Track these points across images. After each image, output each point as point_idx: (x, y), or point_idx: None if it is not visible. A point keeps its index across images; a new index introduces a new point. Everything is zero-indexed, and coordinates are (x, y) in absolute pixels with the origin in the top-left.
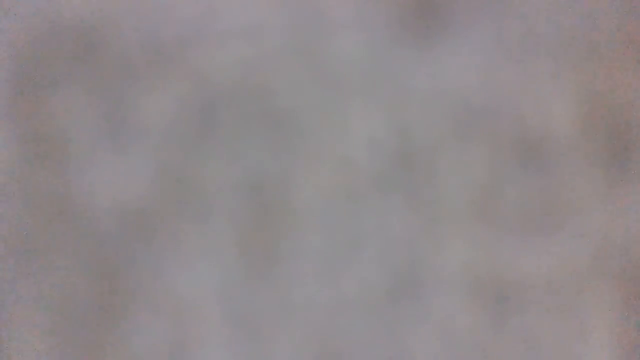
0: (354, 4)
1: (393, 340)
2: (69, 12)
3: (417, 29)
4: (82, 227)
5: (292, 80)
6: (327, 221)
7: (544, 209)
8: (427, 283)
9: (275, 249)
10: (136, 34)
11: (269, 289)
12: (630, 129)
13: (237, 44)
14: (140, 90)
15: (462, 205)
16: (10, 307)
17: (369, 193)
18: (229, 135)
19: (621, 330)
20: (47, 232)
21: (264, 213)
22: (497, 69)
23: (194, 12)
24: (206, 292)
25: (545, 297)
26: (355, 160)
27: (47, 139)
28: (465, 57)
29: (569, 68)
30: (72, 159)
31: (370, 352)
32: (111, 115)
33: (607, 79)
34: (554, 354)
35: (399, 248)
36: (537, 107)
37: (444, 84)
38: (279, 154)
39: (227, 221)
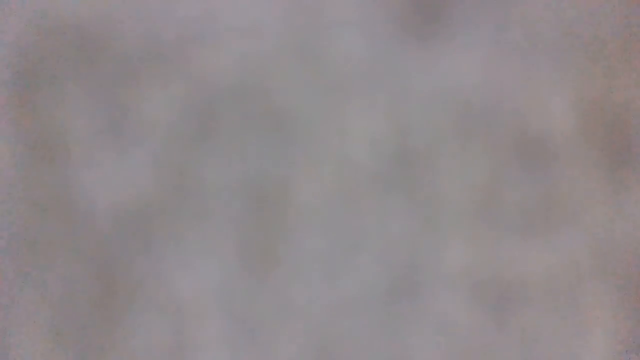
0: (354, 4)
1: (393, 340)
2: (69, 12)
3: (417, 28)
4: (82, 227)
5: (292, 80)
6: (327, 221)
7: (544, 209)
8: (427, 283)
9: (275, 249)
10: (136, 34)
11: (269, 289)
12: (630, 129)
13: (237, 44)
14: (140, 90)
15: (462, 205)
16: (10, 307)
17: (369, 193)
18: (229, 135)
19: (621, 330)
20: (47, 232)
21: (264, 213)
22: (497, 69)
23: (194, 12)
24: (206, 292)
25: (545, 296)
26: (355, 160)
27: (48, 139)
28: (465, 57)
29: (569, 68)
30: (72, 159)
31: (370, 352)
32: (111, 115)
33: (607, 79)
34: (554, 353)
35: (399, 248)
36: (537, 107)
37: (444, 84)
38: (279, 154)
39: (227, 221)
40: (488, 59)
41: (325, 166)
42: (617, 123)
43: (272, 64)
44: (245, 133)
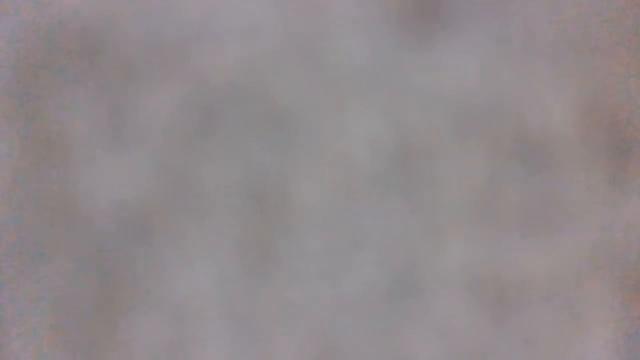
0: (353, 4)
1: (393, 340)
2: (69, 12)
3: (417, 29)
4: (82, 227)
5: (292, 81)
6: (327, 221)
7: (544, 209)
8: (427, 283)
9: (275, 249)
10: (137, 34)
11: (269, 289)
12: (630, 129)
13: (237, 44)
14: (140, 91)
15: (462, 205)
16: (10, 307)
17: (369, 193)
18: (229, 135)
19: (621, 330)
20: (47, 232)
21: (263, 213)
22: (497, 69)
23: (194, 12)
24: (206, 292)
25: (545, 296)
26: (354, 160)
27: (48, 139)
28: (465, 57)
29: (569, 68)
30: (72, 159)
31: (370, 351)
32: (111, 116)
33: (607, 79)
34: (554, 353)
35: (399, 248)
36: (537, 107)
37: (444, 84)
38: (278, 154)
39: (227, 221)
40: (488, 58)
41: (325, 166)
42: (617, 123)
43: (272, 64)
44: (245, 133)
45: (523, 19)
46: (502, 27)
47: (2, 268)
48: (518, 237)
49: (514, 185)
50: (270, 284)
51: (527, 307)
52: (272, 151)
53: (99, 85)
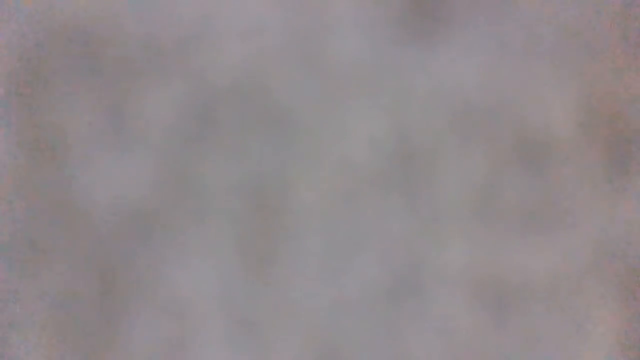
0: (354, 4)
1: (393, 340)
2: (69, 12)
3: (417, 29)
4: (82, 227)
5: (292, 81)
6: (327, 221)
7: (544, 209)
8: (427, 283)
9: (275, 249)
10: (137, 34)
11: (269, 289)
12: (630, 129)
13: (237, 44)
14: (140, 91)
15: (462, 205)
16: (10, 307)
17: (369, 193)
18: (229, 135)
19: (621, 330)
20: (47, 232)
21: (263, 213)
22: (497, 69)
23: (194, 12)
24: (206, 292)
25: (545, 296)
26: (355, 160)
27: (47, 139)
28: (465, 57)
29: (569, 68)
30: (72, 159)
31: (370, 352)
32: (111, 115)
33: (607, 79)
34: (554, 353)
35: (399, 248)
36: (537, 108)
37: (444, 84)
38: (278, 154)
39: (227, 221)
40: (488, 58)
41: (325, 166)
42: (617, 123)
43: (272, 64)
44: (245, 133)
45: (523, 19)
46: (502, 27)
47: (2, 268)
48: (518, 237)
49: (514, 185)
50: (270, 284)
51: (527, 307)
52: (272, 151)
53: (99, 85)
